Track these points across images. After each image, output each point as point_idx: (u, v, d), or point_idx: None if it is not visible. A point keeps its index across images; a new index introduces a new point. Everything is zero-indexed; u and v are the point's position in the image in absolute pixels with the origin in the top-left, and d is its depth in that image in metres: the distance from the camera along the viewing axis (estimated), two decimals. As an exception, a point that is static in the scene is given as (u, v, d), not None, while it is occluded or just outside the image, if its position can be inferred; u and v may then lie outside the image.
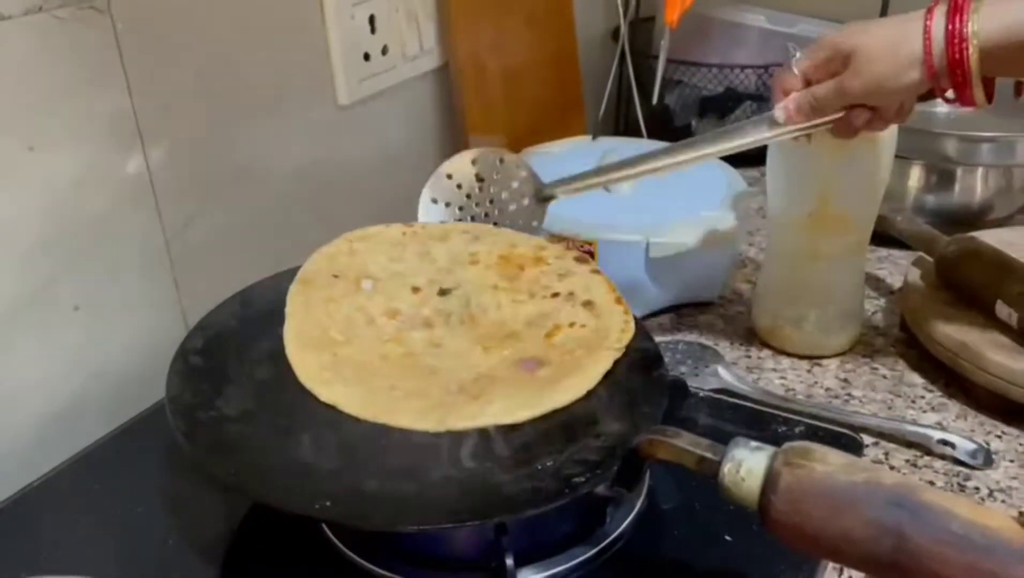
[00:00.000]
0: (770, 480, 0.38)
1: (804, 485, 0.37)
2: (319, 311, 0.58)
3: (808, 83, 0.60)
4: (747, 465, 0.39)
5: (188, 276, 0.68)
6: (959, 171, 0.86)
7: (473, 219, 0.68)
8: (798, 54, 0.61)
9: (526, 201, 0.68)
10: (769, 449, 0.39)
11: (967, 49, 0.52)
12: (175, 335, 0.59)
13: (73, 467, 0.58)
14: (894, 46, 0.55)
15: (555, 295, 0.60)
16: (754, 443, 0.40)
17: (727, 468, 0.39)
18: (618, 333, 0.56)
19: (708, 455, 0.40)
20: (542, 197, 0.68)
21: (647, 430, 0.44)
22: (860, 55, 0.56)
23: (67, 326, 0.61)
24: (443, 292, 0.61)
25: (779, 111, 0.60)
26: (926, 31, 0.54)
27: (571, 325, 0.58)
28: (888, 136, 0.66)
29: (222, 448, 0.49)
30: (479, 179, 0.68)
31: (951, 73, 0.54)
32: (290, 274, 0.63)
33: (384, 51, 0.80)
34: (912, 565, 0.35)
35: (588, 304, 0.59)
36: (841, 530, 0.36)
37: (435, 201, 0.68)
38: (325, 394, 0.52)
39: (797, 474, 0.37)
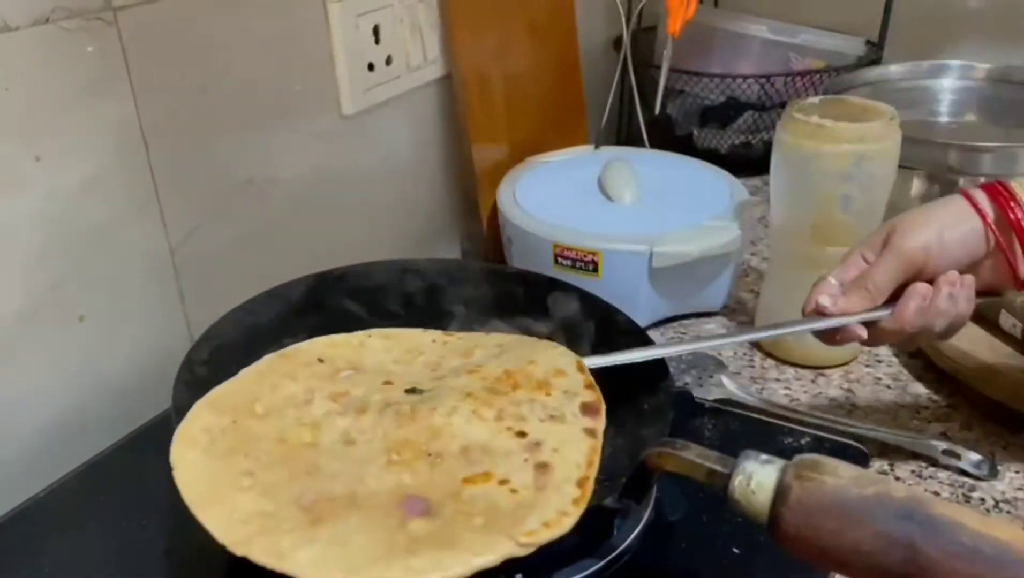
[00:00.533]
0: (780, 493, 0.38)
1: (815, 498, 0.37)
2: (266, 381, 0.53)
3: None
4: (757, 478, 0.39)
5: (193, 286, 0.68)
6: (960, 181, 0.86)
7: None
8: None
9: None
10: (779, 462, 0.39)
11: (1014, 195, 0.49)
12: (180, 346, 0.59)
13: (76, 480, 0.58)
14: (939, 206, 0.52)
15: (520, 434, 0.49)
16: (764, 456, 0.40)
17: (737, 481, 0.39)
18: (539, 523, 0.43)
19: (717, 468, 0.40)
20: None
21: (655, 442, 0.44)
22: (907, 218, 0.51)
23: (71, 336, 0.61)
24: (411, 390, 0.53)
25: (825, 298, 0.52)
26: (964, 195, 0.51)
27: (501, 483, 0.45)
28: (892, 145, 0.67)
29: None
30: None
31: (1005, 214, 0.49)
32: (298, 283, 0.63)
33: (388, 61, 0.80)
34: (923, 577, 0.35)
35: (542, 467, 0.46)
36: (851, 543, 0.36)
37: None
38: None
39: (807, 487, 0.37)
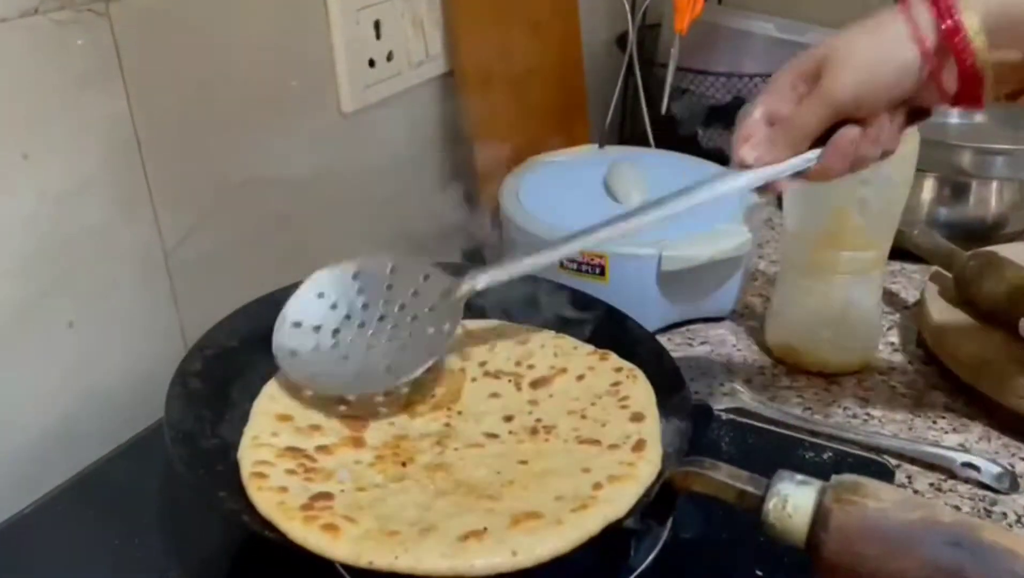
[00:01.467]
0: (820, 518, 0.36)
1: (857, 523, 0.35)
2: None
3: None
4: (793, 501, 0.37)
5: (187, 291, 0.65)
6: (973, 184, 0.85)
7: (353, 342, 0.54)
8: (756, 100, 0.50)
9: (428, 308, 0.54)
10: (816, 483, 0.37)
11: (956, 8, 0.44)
12: (174, 353, 0.57)
13: (68, 491, 0.56)
14: (873, 32, 0.46)
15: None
16: (799, 476, 0.38)
17: (772, 504, 0.37)
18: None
19: (749, 489, 0.38)
20: (455, 297, 0.54)
21: (682, 462, 0.41)
22: (836, 55, 0.46)
23: (61, 343, 0.58)
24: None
25: (745, 149, 0.49)
26: (904, 12, 0.45)
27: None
28: (911, 148, 0.65)
29: (225, 479, 0.46)
30: (361, 293, 0.56)
31: (947, 40, 0.44)
32: (295, 289, 0.60)
33: (389, 57, 0.78)
34: (973, 609, 0.33)
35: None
36: (897, 572, 0.34)
37: (298, 325, 0.55)
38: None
39: (848, 511, 0.35)
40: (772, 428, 0.62)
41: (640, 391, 0.54)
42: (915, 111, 0.49)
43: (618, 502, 0.44)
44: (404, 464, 0.50)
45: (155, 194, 0.62)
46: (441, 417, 0.54)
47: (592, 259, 0.74)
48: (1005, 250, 0.72)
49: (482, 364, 0.59)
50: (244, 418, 0.51)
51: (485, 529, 0.42)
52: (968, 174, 0.83)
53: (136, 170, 0.61)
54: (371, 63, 0.76)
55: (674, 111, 1.00)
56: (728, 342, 0.77)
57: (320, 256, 0.64)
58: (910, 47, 0.45)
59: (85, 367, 0.60)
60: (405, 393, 0.55)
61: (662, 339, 0.75)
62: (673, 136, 1.00)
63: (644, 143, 0.96)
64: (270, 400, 0.53)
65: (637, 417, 0.51)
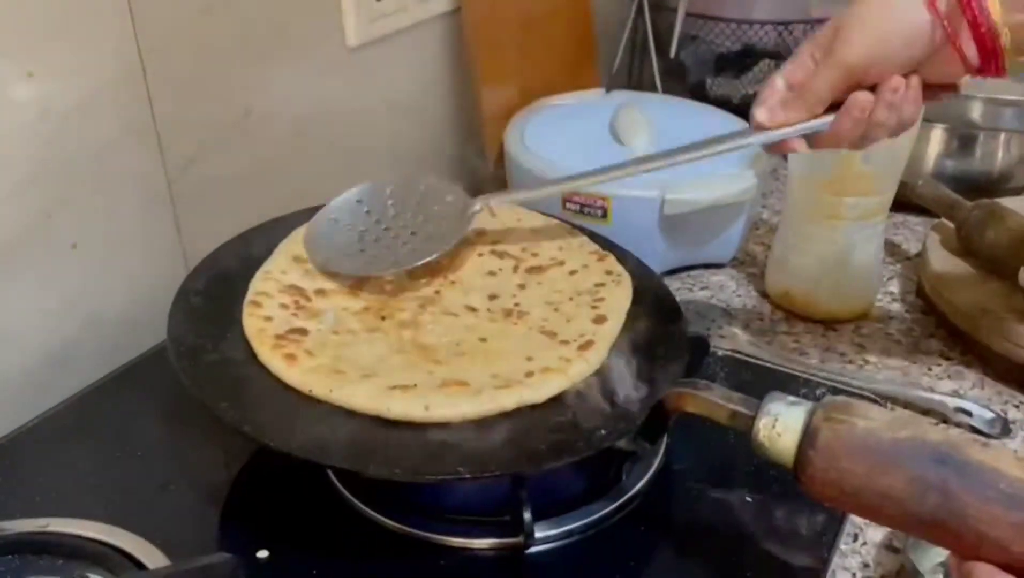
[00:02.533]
0: (808, 435, 0.36)
1: (845, 441, 0.35)
2: None
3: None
4: (784, 420, 0.37)
5: (190, 217, 0.65)
6: (981, 136, 0.84)
7: (377, 240, 0.58)
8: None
9: (444, 221, 0.59)
10: (807, 404, 0.38)
11: None
12: (176, 277, 0.57)
13: (69, 409, 0.56)
14: (886, 1, 0.47)
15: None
16: (791, 397, 0.38)
17: (762, 423, 0.38)
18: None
19: (741, 409, 0.39)
20: (468, 213, 0.59)
21: (676, 382, 0.42)
22: (849, 22, 0.47)
23: (64, 264, 0.59)
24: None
25: (761, 111, 0.50)
26: None
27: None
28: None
29: (227, 392, 0.47)
30: (393, 205, 0.60)
31: (960, 4, 0.44)
32: (295, 217, 0.60)
33: (396, -9, 0.77)
34: (956, 524, 0.33)
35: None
36: (883, 488, 0.34)
37: (335, 221, 0.60)
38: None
39: (837, 430, 0.36)
40: (768, 365, 0.62)
41: (617, 296, 0.57)
42: (940, 87, 0.49)
43: (538, 389, 0.48)
44: (383, 318, 0.54)
45: (159, 121, 0.62)
46: (435, 284, 0.58)
47: (595, 200, 0.74)
48: (1010, 202, 0.72)
49: (494, 242, 0.62)
50: (245, 336, 0.51)
51: (415, 385, 0.47)
52: (976, 126, 0.83)
53: (141, 95, 0.61)
54: (377, -4, 0.75)
55: (683, 58, 0.99)
56: (728, 288, 0.77)
57: (320, 190, 0.64)
58: (921, 10, 0.45)
59: (88, 289, 0.61)
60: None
61: (662, 282, 0.75)
62: (682, 83, 1.00)
63: (652, 89, 0.95)
64: (293, 241, 0.59)
65: (600, 319, 0.54)
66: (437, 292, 0.58)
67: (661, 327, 0.53)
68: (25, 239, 0.56)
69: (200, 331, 0.50)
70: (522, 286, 0.59)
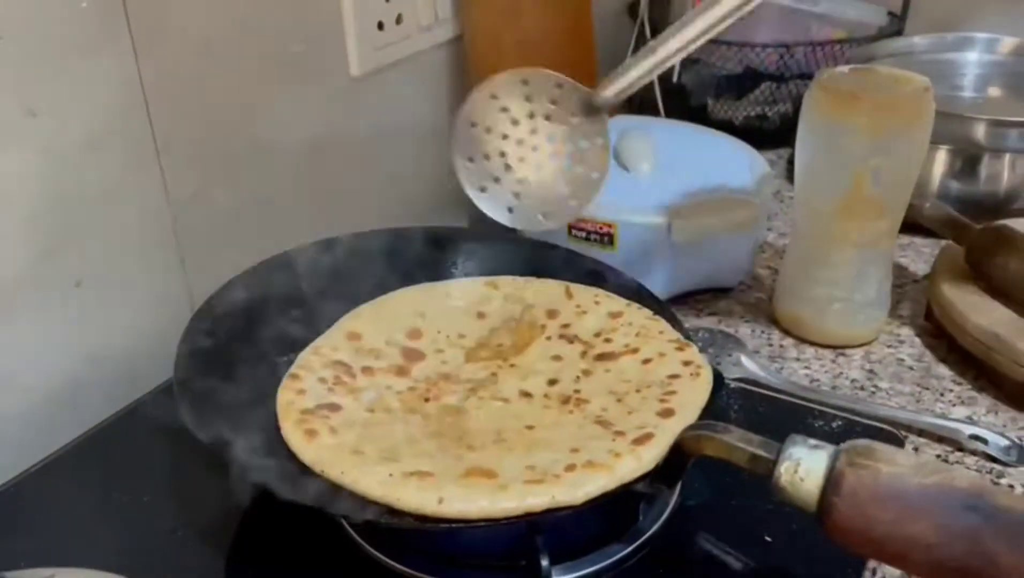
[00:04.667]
0: (832, 481, 0.36)
1: (870, 487, 0.35)
2: None
3: None
4: (806, 464, 0.37)
5: (194, 253, 0.65)
6: (986, 157, 0.84)
7: (520, 143, 0.54)
8: None
9: (575, 120, 0.54)
10: (829, 448, 0.37)
11: None
12: (181, 313, 0.57)
13: (74, 451, 0.56)
14: None
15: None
16: (812, 441, 0.37)
17: (784, 467, 0.37)
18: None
19: (762, 453, 0.38)
20: (593, 109, 0.53)
21: (693, 425, 0.41)
22: None
23: (67, 302, 0.58)
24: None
25: None
26: None
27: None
28: (927, 116, 0.64)
29: (235, 434, 0.46)
30: (529, 101, 0.55)
31: None
32: (303, 250, 0.60)
33: (399, 20, 0.77)
34: (986, 572, 0.33)
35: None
36: (911, 535, 0.34)
37: (475, 125, 0.55)
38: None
39: (862, 475, 0.35)
40: (781, 397, 0.62)
41: (692, 389, 0.50)
42: None
43: (575, 488, 0.42)
44: (427, 400, 0.51)
45: (162, 155, 0.62)
46: (493, 366, 0.55)
47: (601, 227, 0.73)
48: (1017, 224, 0.72)
49: (565, 326, 0.58)
50: (252, 375, 0.51)
51: (432, 473, 0.43)
52: (981, 147, 0.82)
53: (144, 130, 0.60)
54: (380, 25, 0.75)
55: (684, 81, 0.99)
56: (736, 313, 0.77)
57: (327, 220, 0.64)
58: None
59: (93, 327, 0.60)
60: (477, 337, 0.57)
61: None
62: (684, 106, 1.00)
63: (654, 113, 0.95)
64: (353, 317, 0.57)
65: (667, 413, 0.47)
66: (493, 374, 0.54)
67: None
68: (28, 277, 0.56)
69: (207, 373, 0.50)
70: (587, 372, 0.54)
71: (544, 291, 0.61)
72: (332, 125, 0.74)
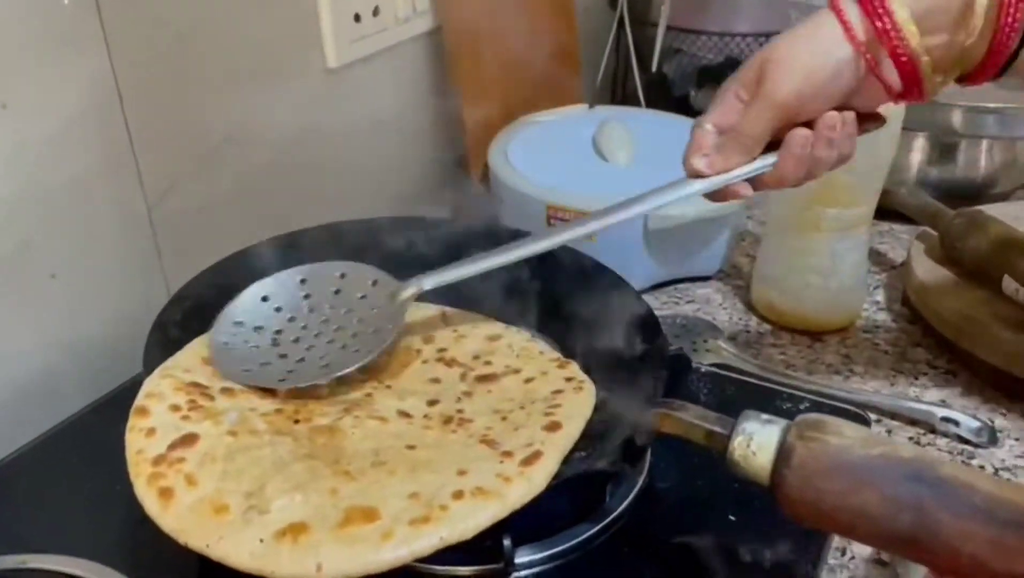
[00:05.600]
0: (783, 454, 0.36)
1: (819, 459, 0.35)
2: None
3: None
4: (758, 439, 0.37)
5: (171, 244, 0.65)
6: (963, 143, 0.84)
7: (296, 341, 0.52)
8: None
9: (373, 310, 0.53)
10: (781, 422, 0.37)
11: (885, 2, 0.44)
12: (157, 305, 0.57)
13: (48, 442, 0.56)
14: (809, 34, 0.46)
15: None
16: (765, 416, 0.38)
17: (737, 442, 0.37)
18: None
19: (717, 429, 0.39)
20: (400, 299, 0.53)
21: (652, 403, 0.42)
22: (773, 58, 0.46)
23: (43, 295, 0.59)
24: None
25: (697, 159, 0.49)
26: (835, 12, 0.45)
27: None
28: (896, 106, 0.64)
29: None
30: (308, 297, 0.54)
31: (878, 34, 0.44)
32: (276, 241, 0.60)
33: (375, 12, 0.77)
34: (932, 541, 0.33)
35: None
36: (858, 506, 0.34)
37: (239, 324, 0.53)
38: None
39: (811, 448, 0.35)
40: (751, 380, 0.62)
41: (577, 403, 0.49)
42: (866, 116, 0.48)
43: (465, 521, 0.40)
44: (297, 421, 0.48)
45: (137, 148, 0.62)
46: (367, 387, 0.52)
47: (579, 217, 0.74)
48: (992, 209, 0.72)
49: (441, 350, 0.56)
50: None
51: (306, 526, 0.40)
52: (958, 133, 0.83)
53: (118, 123, 0.60)
54: (356, 17, 0.76)
55: (666, 71, 0.99)
56: (714, 301, 0.77)
57: (304, 213, 0.64)
58: (844, 45, 0.45)
59: (68, 320, 0.60)
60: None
61: (648, 298, 0.75)
62: (665, 97, 1.00)
63: (636, 103, 0.95)
64: (202, 343, 0.52)
65: (553, 426, 0.46)
66: (368, 394, 0.51)
67: (641, 343, 0.53)
68: (3, 270, 0.56)
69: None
70: (468, 393, 0.52)
71: (418, 316, 0.58)
72: (308, 118, 0.74)
